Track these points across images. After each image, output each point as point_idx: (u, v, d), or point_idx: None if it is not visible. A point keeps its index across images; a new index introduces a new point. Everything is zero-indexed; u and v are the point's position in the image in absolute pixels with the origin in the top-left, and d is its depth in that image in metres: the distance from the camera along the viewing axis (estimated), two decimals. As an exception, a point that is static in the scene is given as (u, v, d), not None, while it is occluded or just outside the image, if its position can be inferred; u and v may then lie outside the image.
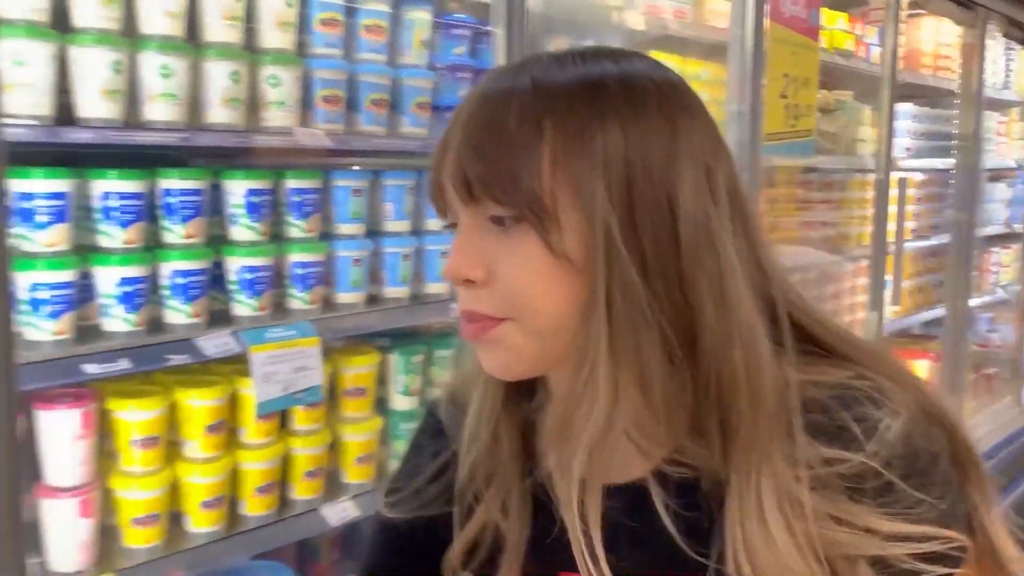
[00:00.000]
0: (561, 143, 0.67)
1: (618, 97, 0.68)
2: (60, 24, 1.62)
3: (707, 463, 0.70)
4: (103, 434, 1.74)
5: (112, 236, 1.69)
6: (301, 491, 2.02)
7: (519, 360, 0.71)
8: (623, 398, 0.67)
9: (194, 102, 1.78)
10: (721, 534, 0.68)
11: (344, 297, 2.09)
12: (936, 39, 4.11)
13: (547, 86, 0.69)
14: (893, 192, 3.46)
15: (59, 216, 1.60)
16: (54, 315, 1.61)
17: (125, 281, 1.69)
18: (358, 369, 2.12)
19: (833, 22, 3.35)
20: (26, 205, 1.58)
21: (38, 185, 1.58)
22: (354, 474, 2.13)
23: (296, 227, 1.97)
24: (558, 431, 0.71)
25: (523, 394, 0.80)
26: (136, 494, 1.74)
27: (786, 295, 0.73)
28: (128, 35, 1.69)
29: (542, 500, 0.77)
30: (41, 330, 1.60)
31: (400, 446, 2.23)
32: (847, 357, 0.73)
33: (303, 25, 1.95)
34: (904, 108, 3.82)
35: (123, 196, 1.68)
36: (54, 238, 1.61)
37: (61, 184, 1.60)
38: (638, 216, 0.66)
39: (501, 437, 0.79)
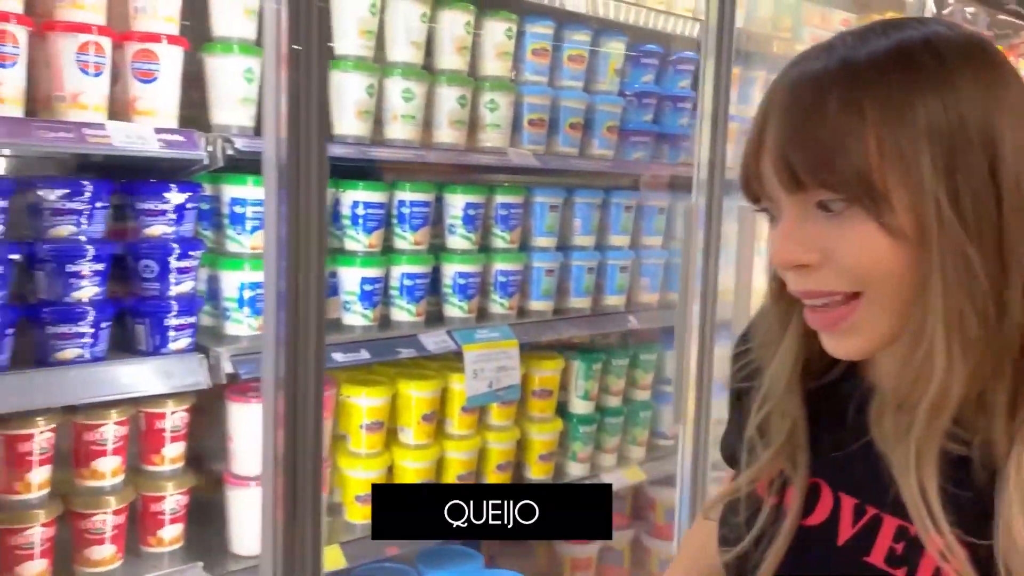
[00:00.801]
0: (884, 122, 0.68)
1: (929, 65, 0.69)
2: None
3: (984, 433, 0.70)
4: (335, 417, 1.94)
5: (357, 240, 1.89)
6: (492, 482, 2.18)
7: (870, 343, 0.73)
8: (956, 366, 0.69)
9: (425, 123, 1.98)
10: (993, 503, 0.68)
11: (536, 305, 2.25)
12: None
13: (859, 65, 0.70)
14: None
15: (317, 221, 1.81)
16: (309, 308, 1.81)
17: (365, 280, 1.89)
18: (545, 372, 2.28)
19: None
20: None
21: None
22: (537, 470, 2.29)
23: (501, 239, 2.15)
24: (897, 401, 0.73)
25: (814, 360, 0.83)
26: (360, 473, 1.93)
27: None
28: (379, 62, 1.90)
29: (875, 452, 0.76)
30: (297, 321, 1.81)
31: (578, 447, 2.37)
32: None
33: (517, 54, 2.14)
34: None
35: (368, 205, 1.88)
36: (312, 240, 1.81)
37: (321, 193, 1.81)
38: (962, 183, 0.67)
39: (793, 399, 0.82)
